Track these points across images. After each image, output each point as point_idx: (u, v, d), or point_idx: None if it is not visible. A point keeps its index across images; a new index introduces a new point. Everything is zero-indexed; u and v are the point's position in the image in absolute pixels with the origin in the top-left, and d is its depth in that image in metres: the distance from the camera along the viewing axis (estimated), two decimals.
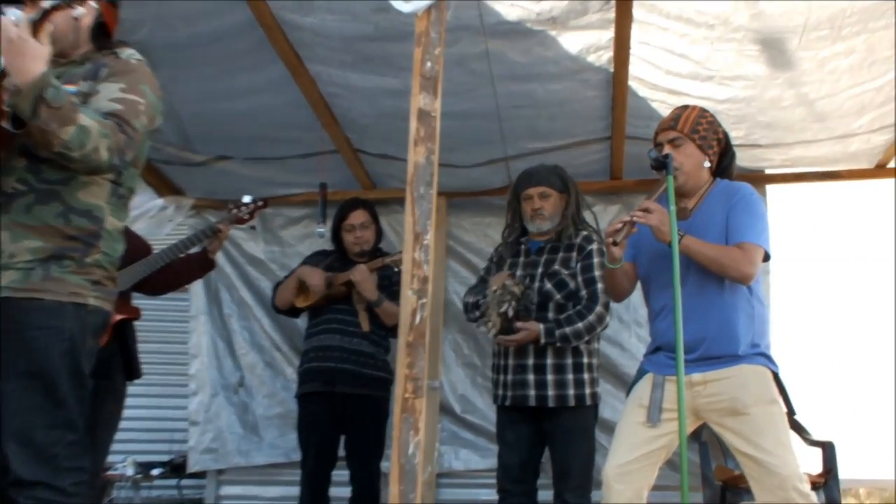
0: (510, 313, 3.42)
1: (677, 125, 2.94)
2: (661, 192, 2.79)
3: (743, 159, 4.62)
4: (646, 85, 3.98)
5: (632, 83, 3.96)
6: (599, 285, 3.51)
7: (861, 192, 4.98)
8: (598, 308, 3.52)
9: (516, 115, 4.18)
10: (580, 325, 3.48)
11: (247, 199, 3.90)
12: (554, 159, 4.41)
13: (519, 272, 3.64)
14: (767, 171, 4.92)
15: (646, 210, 2.74)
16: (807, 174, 4.87)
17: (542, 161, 4.19)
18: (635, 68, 3.87)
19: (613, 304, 4.51)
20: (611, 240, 2.74)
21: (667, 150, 2.91)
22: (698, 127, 2.94)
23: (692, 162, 2.93)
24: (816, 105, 4.05)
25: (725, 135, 3.04)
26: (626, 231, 2.75)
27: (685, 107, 3.05)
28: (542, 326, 3.47)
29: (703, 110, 3.01)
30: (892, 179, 4.84)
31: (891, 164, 4.79)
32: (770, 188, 4.96)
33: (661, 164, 2.78)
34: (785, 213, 4.99)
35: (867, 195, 4.96)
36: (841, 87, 3.92)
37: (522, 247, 3.76)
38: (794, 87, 3.87)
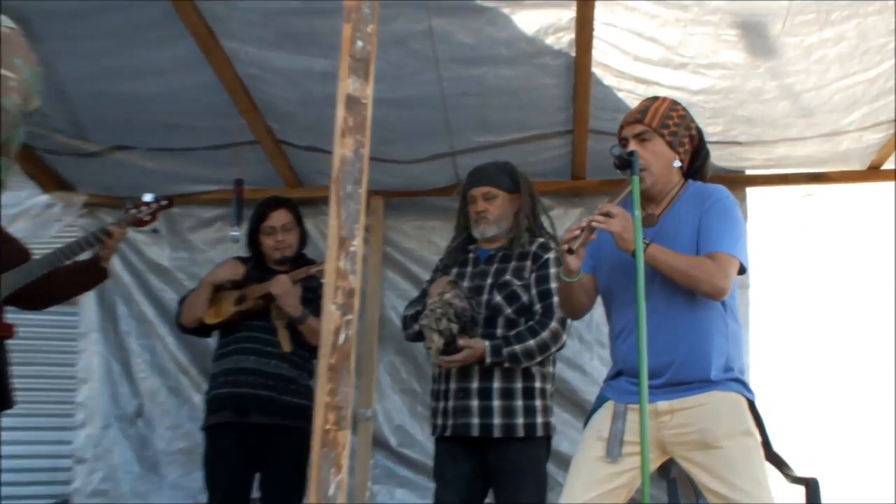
0: (452, 329, 3.42)
1: (644, 118, 2.96)
2: (625, 194, 2.79)
3: (720, 158, 4.72)
4: (611, 72, 4.01)
5: (596, 70, 3.98)
6: (555, 299, 3.53)
7: (852, 196, 5.04)
8: (553, 324, 3.54)
9: (464, 104, 4.20)
10: (532, 342, 3.50)
11: (148, 197, 3.84)
12: (507, 155, 4.42)
13: (466, 283, 3.66)
14: (748, 172, 4.99)
15: (607, 214, 2.73)
16: (791, 176, 4.96)
17: (494, 157, 4.21)
18: (599, 53, 3.90)
19: (573, 322, 4.55)
20: (566, 247, 2.75)
21: (632, 146, 2.93)
22: (668, 121, 2.97)
23: (661, 161, 2.96)
24: (802, 98, 4.12)
25: (699, 131, 3.08)
26: (585, 238, 2.76)
27: (654, 98, 3.08)
28: (487, 344, 3.48)
29: (675, 102, 3.04)
30: (888, 183, 4.95)
31: (886, 166, 4.91)
32: (751, 191, 5.03)
33: (626, 163, 2.79)
34: (767, 218, 5.04)
35: (859, 200, 5.03)
36: (829, 79, 3.99)
37: (470, 255, 3.78)
38: (777, 77, 3.93)
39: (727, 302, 2.87)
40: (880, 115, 4.36)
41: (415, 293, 4.43)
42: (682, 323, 2.82)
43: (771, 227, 5.04)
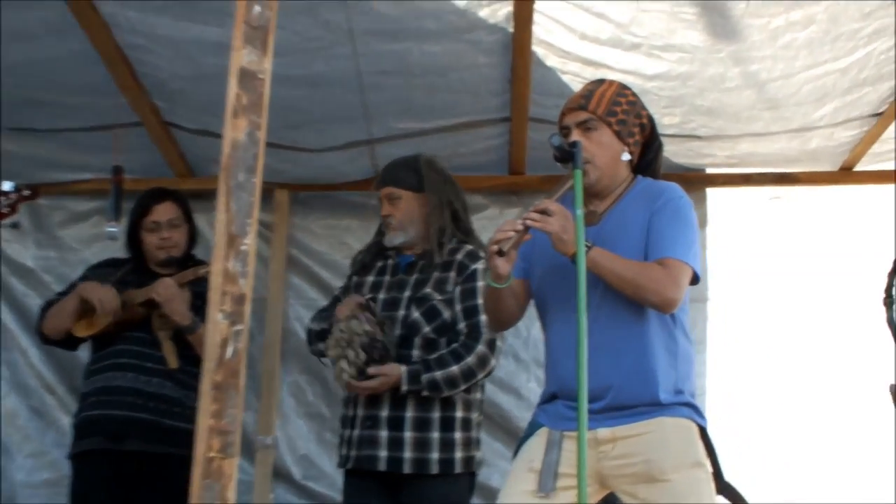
0: (360, 360, 3.45)
1: (589, 104, 2.97)
2: (565, 190, 2.80)
3: (676, 154, 4.83)
4: (555, 52, 4.02)
5: (537, 49, 3.99)
6: (483, 317, 3.54)
7: (823, 200, 5.14)
8: (480, 348, 3.55)
9: (384, 84, 4.21)
10: (455, 368, 3.51)
11: (7, 185, 3.78)
12: (433, 145, 4.49)
13: (381, 295, 3.67)
14: (708, 171, 5.09)
15: (544, 212, 2.74)
16: (756, 176, 5.06)
17: (418, 147, 4.24)
18: (541, 30, 3.91)
19: (509, 338, 4.59)
20: (496, 248, 2.75)
21: (575, 136, 2.94)
22: (616, 108, 2.98)
23: (607, 153, 2.97)
24: (768, 88, 4.19)
25: (651, 119, 3.07)
26: (518, 239, 2.75)
27: (600, 81, 3.09)
28: (404, 369, 3.49)
29: (623, 86, 3.06)
30: (861, 187, 5.09)
31: (859, 167, 5.03)
32: (711, 192, 5.14)
33: (567, 155, 2.77)
34: (729, 223, 5.13)
35: (830, 204, 5.12)
36: (798, 67, 4.06)
37: (389, 262, 3.79)
38: (741, 63, 3.99)
39: (678, 315, 2.90)
40: (852, 109, 4.46)
41: (324, 302, 4.44)
42: (626, 338, 2.84)
43: (733, 233, 5.13)
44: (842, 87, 4.20)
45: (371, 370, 3.45)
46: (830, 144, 4.76)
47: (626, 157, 3.00)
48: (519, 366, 4.89)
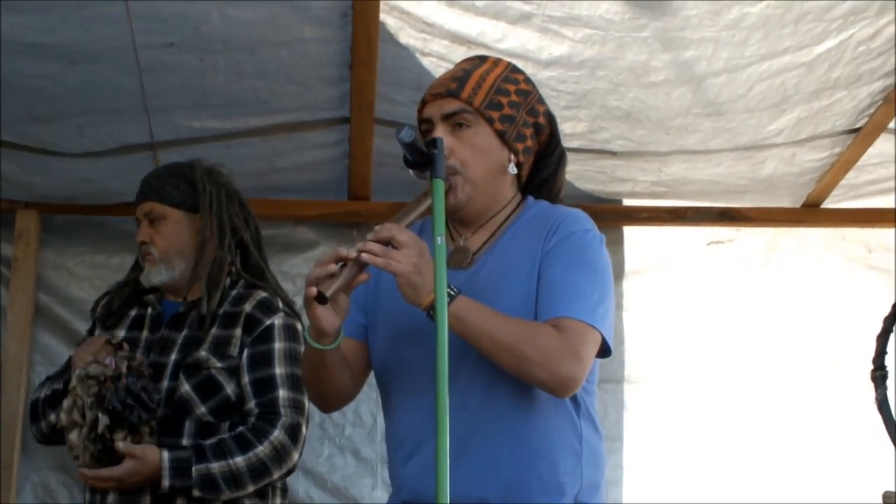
0: (100, 422, 3.34)
1: (462, 90, 2.85)
2: (419, 210, 2.73)
3: (582, 177, 4.84)
4: (412, 23, 3.98)
5: (387, 18, 3.95)
6: (282, 392, 3.57)
7: (779, 245, 5.20)
8: (277, 433, 3.52)
9: (170, 62, 4.16)
10: (240, 459, 3.47)
11: None
12: (240, 154, 4.46)
13: (139, 354, 3.61)
14: (626, 203, 5.11)
15: (387, 242, 2.62)
16: (691, 211, 5.08)
17: (219, 156, 4.17)
18: None
19: (351, 431, 4.70)
20: (315, 292, 2.60)
21: (438, 132, 2.84)
22: (501, 98, 2.88)
23: (484, 161, 2.86)
24: (708, 86, 4.19)
25: (550, 119, 3.00)
26: (349, 279, 2.61)
27: (482, 58, 3.02)
28: (166, 455, 3.41)
29: (515, 69, 2.98)
30: (831, 230, 5.16)
31: (829, 203, 5.08)
32: (630, 232, 5.19)
33: (423, 158, 2.62)
34: (654, 274, 5.16)
35: (788, 250, 5.18)
36: (748, 57, 4.06)
37: (149, 311, 3.77)
38: (671, 47, 3.99)
39: (581, 398, 2.79)
40: (820, 122, 4.48)
41: None
42: (508, 432, 2.72)
43: (659, 289, 5.16)
44: (806, 88, 4.24)
45: (119, 446, 3.34)
46: (791, 170, 4.80)
47: (512, 169, 2.90)
48: (361, 466, 4.90)
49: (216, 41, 4.03)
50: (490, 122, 2.84)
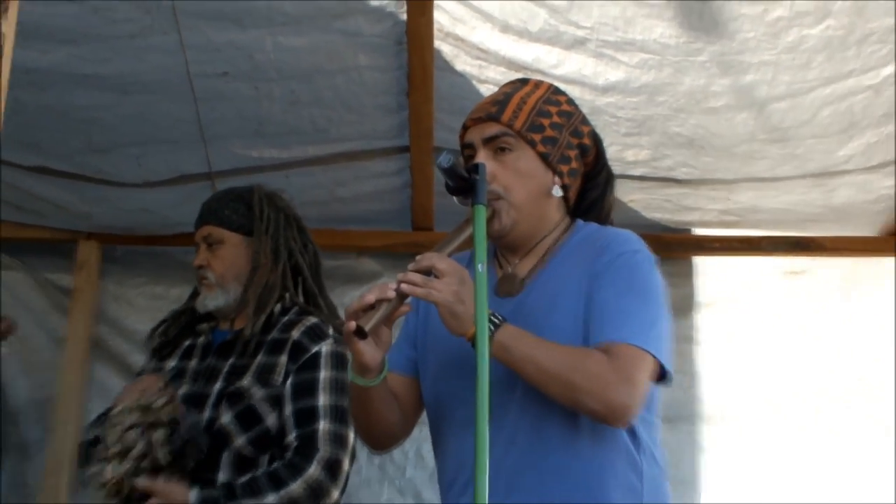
0: (149, 452, 3.32)
1: (503, 114, 2.86)
2: (462, 238, 2.71)
3: (649, 206, 4.80)
4: (466, 49, 3.99)
5: (441, 45, 3.97)
6: (323, 424, 3.52)
7: (855, 276, 5.12)
8: (312, 469, 3.46)
9: (224, 91, 4.20)
10: (272, 499, 3.41)
11: None
12: (300, 184, 4.46)
13: (184, 389, 3.59)
14: (696, 232, 5.06)
15: (428, 271, 2.62)
16: (764, 241, 5.02)
17: (281, 185, 4.15)
18: (446, 18, 3.89)
19: (413, 473, 4.67)
20: (353, 326, 2.59)
21: (480, 157, 2.84)
22: (542, 120, 2.88)
23: (528, 185, 2.86)
24: (770, 111, 4.16)
25: (596, 139, 3.00)
26: (389, 312, 2.59)
27: (521, 81, 3.02)
28: (194, 494, 3.36)
29: (556, 90, 2.98)
30: None
31: None
32: (701, 263, 5.13)
33: (464, 184, 2.65)
34: (727, 306, 5.09)
35: (867, 281, 5.10)
36: (810, 81, 4.02)
37: (200, 339, 3.76)
38: (730, 72, 3.96)
39: (639, 431, 2.75)
40: (893, 147, 4.39)
41: None
42: (558, 467, 2.69)
43: (733, 322, 5.09)
44: (874, 112, 4.17)
45: (140, 483, 3.31)
46: (865, 198, 4.73)
47: (557, 192, 2.89)
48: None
49: (270, 69, 4.06)
50: (532, 144, 2.83)
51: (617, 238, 2.84)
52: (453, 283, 2.60)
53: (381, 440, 2.95)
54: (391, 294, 2.59)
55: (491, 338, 2.56)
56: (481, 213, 2.61)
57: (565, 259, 2.86)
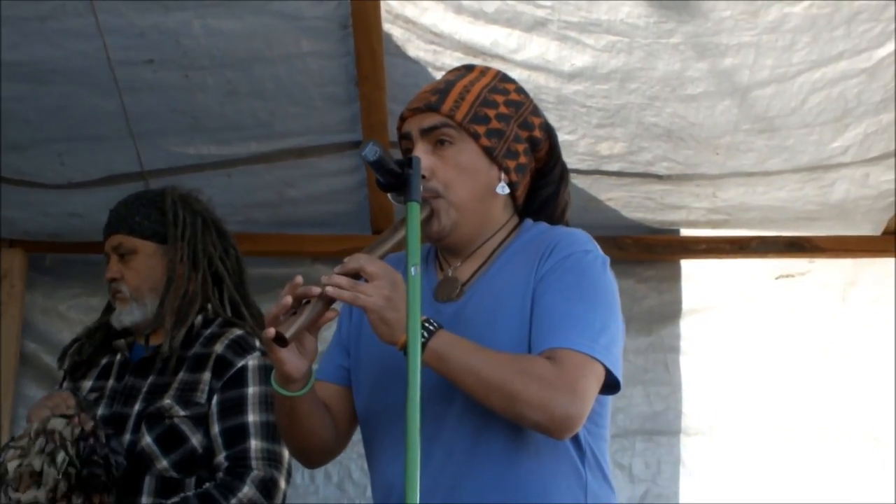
0: (52, 479, 3.30)
1: (443, 104, 2.83)
2: (397, 239, 2.69)
3: (629, 205, 4.76)
4: (419, 34, 3.97)
5: (391, 28, 3.95)
6: (254, 443, 3.52)
7: (856, 278, 5.09)
8: (247, 490, 3.45)
9: (152, 82, 4.18)
10: None
11: None
12: (246, 185, 4.46)
13: (102, 410, 3.58)
14: (683, 233, 5.03)
15: (356, 274, 2.57)
16: (753, 242, 4.98)
17: (223, 186, 4.26)
18: None
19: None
20: (272, 333, 2.53)
21: (418, 150, 2.81)
22: (487, 110, 2.83)
23: (470, 182, 2.82)
24: (754, 98, 4.14)
25: (548, 131, 2.92)
26: (311, 317, 2.56)
27: (468, 68, 2.99)
28: None
29: (503, 77, 2.94)
30: None
31: None
32: (688, 267, 5.11)
33: (397, 179, 2.59)
34: (715, 312, 5.08)
35: (868, 284, 5.06)
36: (797, 65, 4.00)
37: (118, 357, 3.72)
38: (707, 55, 3.94)
39: (586, 443, 2.73)
40: (894, 137, 4.34)
41: None
42: (497, 481, 2.67)
43: (721, 328, 5.07)
44: (870, 99, 4.14)
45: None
46: (865, 193, 4.69)
47: (502, 189, 2.84)
48: None
49: (201, 56, 4.05)
50: (475, 137, 2.78)
51: (566, 238, 2.79)
52: (384, 286, 2.56)
53: (313, 455, 2.93)
54: (315, 291, 2.56)
55: (424, 346, 2.52)
56: (415, 211, 2.54)
57: (510, 260, 2.82)
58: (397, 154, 2.74)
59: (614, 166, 4.46)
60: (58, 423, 3.36)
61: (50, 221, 4.79)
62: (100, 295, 4.83)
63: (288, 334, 2.54)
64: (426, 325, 2.56)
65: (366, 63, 4.04)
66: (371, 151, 2.56)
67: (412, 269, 2.47)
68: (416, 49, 4.03)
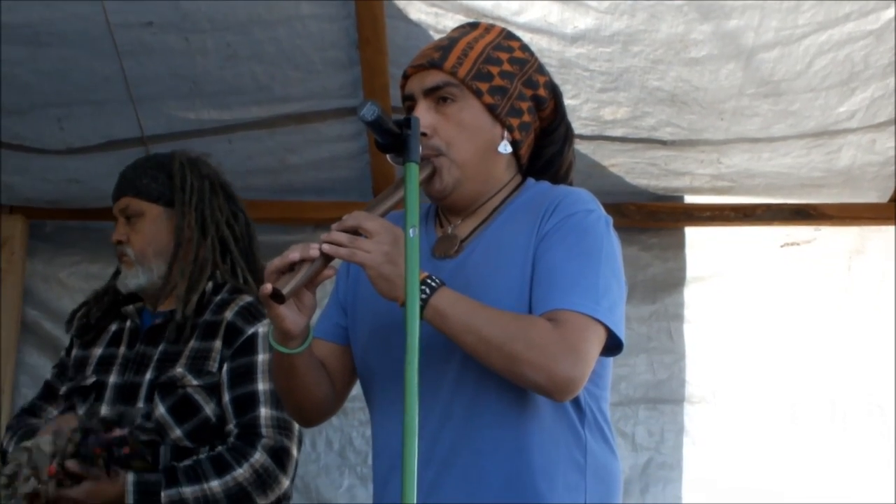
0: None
1: (446, 60, 2.82)
2: (397, 198, 2.71)
3: (633, 171, 4.76)
4: None
5: None
6: (264, 410, 3.52)
7: (863, 246, 5.10)
8: (258, 456, 3.47)
9: (152, 45, 4.19)
10: (216, 484, 3.43)
11: None
12: (247, 150, 4.47)
13: (112, 378, 3.60)
14: (687, 200, 5.03)
15: (353, 230, 2.58)
16: (759, 209, 4.99)
17: (224, 151, 4.24)
18: None
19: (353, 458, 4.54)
20: (269, 289, 2.54)
21: (419, 110, 2.81)
22: (490, 68, 2.84)
23: (472, 140, 2.82)
24: (759, 61, 4.14)
25: (553, 90, 2.93)
26: (310, 273, 2.56)
27: (472, 25, 2.97)
28: (130, 479, 3.37)
29: (508, 34, 2.93)
30: None
31: None
32: (692, 234, 5.11)
33: (395, 140, 2.60)
34: (720, 279, 5.09)
35: (875, 252, 5.06)
36: (802, 27, 4.00)
37: (128, 324, 3.72)
38: (711, 17, 3.94)
39: (586, 404, 2.73)
40: None
41: None
42: (497, 442, 2.68)
43: (725, 296, 5.07)
44: (878, 62, 4.13)
45: (70, 465, 3.31)
46: (872, 159, 4.69)
47: (505, 148, 2.84)
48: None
49: (201, 20, 4.05)
50: (478, 94, 2.78)
51: (569, 196, 2.79)
52: (384, 242, 2.57)
53: (309, 413, 2.94)
54: (314, 253, 2.55)
55: (426, 302, 2.54)
56: (413, 172, 2.57)
57: (511, 218, 2.83)
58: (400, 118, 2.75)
59: (618, 132, 4.47)
60: (42, 442, 3.38)
61: (50, 187, 4.79)
62: (100, 262, 4.99)
63: (285, 291, 2.54)
64: (428, 281, 2.57)
65: (367, 26, 4.05)
66: (369, 111, 2.56)
67: (410, 230, 2.48)
68: (418, 11, 4.04)
